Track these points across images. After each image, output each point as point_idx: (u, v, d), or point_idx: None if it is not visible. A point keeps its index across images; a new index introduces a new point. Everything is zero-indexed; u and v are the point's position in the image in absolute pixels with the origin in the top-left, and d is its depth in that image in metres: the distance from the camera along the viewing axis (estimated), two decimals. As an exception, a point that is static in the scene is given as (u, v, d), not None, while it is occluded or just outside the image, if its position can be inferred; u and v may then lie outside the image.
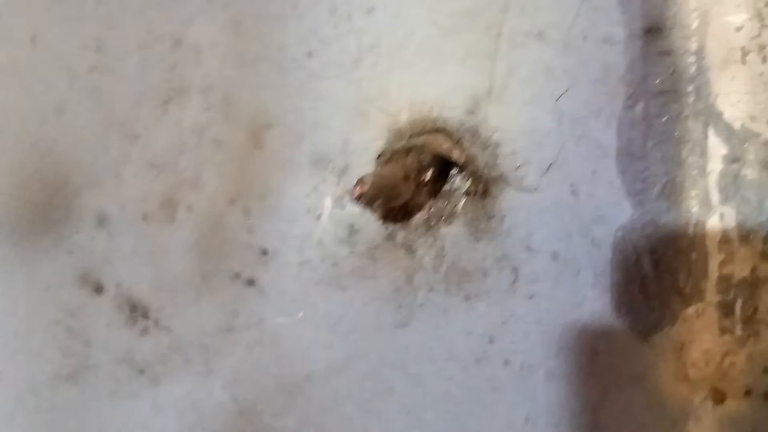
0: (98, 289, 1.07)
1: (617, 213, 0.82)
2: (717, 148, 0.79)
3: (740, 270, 0.79)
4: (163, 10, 1.00)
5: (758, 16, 0.77)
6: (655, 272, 0.82)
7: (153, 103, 1.02)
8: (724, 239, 0.79)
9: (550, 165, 0.84)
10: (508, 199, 0.87)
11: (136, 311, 1.06)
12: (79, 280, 1.08)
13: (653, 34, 0.80)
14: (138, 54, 1.01)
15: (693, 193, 0.80)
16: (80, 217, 1.07)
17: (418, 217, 0.93)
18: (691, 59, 0.79)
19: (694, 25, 0.78)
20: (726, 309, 0.80)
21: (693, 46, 0.78)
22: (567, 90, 0.83)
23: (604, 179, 0.82)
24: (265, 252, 0.99)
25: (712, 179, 0.79)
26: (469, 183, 0.90)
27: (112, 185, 1.04)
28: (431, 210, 0.92)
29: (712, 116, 0.79)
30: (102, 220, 1.06)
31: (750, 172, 0.78)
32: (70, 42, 1.04)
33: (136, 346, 1.07)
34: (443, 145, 0.89)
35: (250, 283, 1.00)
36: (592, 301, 0.84)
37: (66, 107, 1.05)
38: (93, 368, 1.09)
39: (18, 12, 1.07)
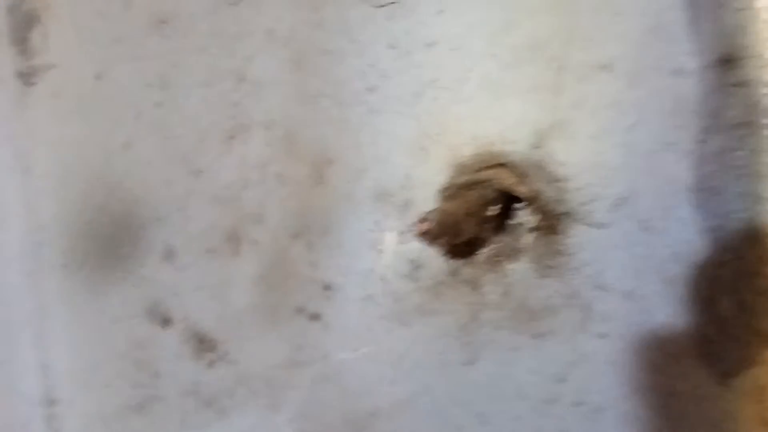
0: (166, 322, 1.08)
1: (692, 251, 0.78)
2: (800, 183, 0.74)
3: (826, 312, 0.75)
4: (226, 48, 1.00)
5: (841, 43, 0.72)
6: (734, 313, 0.77)
7: (217, 139, 1.02)
8: (809, 279, 0.74)
9: (620, 200, 0.81)
10: (576, 236, 0.84)
11: (202, 344, 1.07)
12: (147, 312, 1.09)
13: (727, 64, 0.75)
14: (201, 90, 1.02)
15: (774, 230, 0.75)
16: (147, 250, 1.08)
17: (483, 253, 0.90)
18: (769, 90, 0.74)
19: (772, 54, 0.74)
20: (811, 352, 0.75)
21: (771, 76, 0.74)
22: (636, 123, 0.80)
23: (677, 215, 0.78)
24: (328, 287, 0.99)
25: (795, 216, 0.74)
26: (535, 218, 0.87)
27: (178, 220, 1.06)
28: (496, 246, 0.90)
29: (793, 150, 0.74)
30: (168, 254, 1.07)
31: (837, 210, 0.74)
32: (135, 79, 1.06)
33: (203, 378, 1.07)
34: (508, 180, 0.86)
35: (314, 317, 1.00)
36: (668, 342, 0.80)
37: (132, 143, 1.07)
38: (161, 400, 1.10)
39: (83, 50, 1.09)
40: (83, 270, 1.13)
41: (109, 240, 1.10)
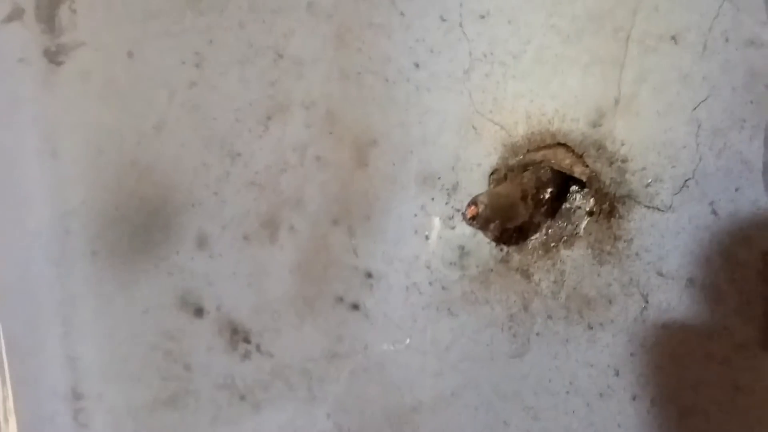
0: (198, 312, 1.06)
1: (765, 235, 0.74)
2: None
3: None
4: (264, 23, 0.97)
5: None
6: (808, 301, 0.73)
7: (254, 120, 0.99)
8: None
9: (686, 181, 0.77)
10: (636, 219, 0.80)
11: (237, 335, 1.04)
12: (179, 302, 1.06)
13: (808, 34, 0.71)
14: (238, 69, 0.99)
15: None
16: (180, 237, 1.05)
17: (535, 239, 0.87)
18: None
19: None
20: None
21: None
22: (706, 98, 0.76)
23: (748, 197, 0.75)
24: (369, 275, 0.96)
25: None
26: (592, 201, 0.83)
27: (213, 205, 1.03)
28: (549, 231, 0.86)
29: None
30: (202, 241, 1.04)
31: None
32: (168, 57, 1.02)
33: (237, 370, 1.05)
34: (564, 160, 0.82)
35: (355, 307, 0.97)
36: (735, 332, 0.76)
37: (165, 125, 1.04)
38: (193, 393, 1.08)
39: (114, 27, 1.05)
40: (113, 258, 1.10)
41: (140, 226, 1.07)
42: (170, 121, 1.03)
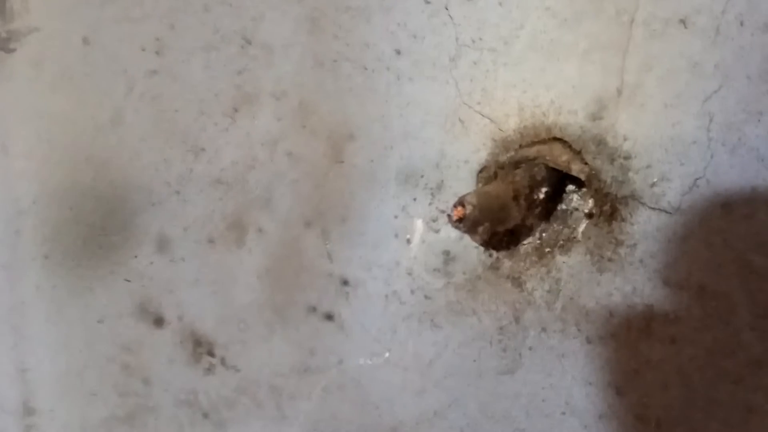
0: (158, 322, 1.01)
1: (782, 239, 0.70)
2: None
3: None
4: (231, 6, 0.93)
5: None
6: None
7: (219, 112, 0.95)
8: None
9: (696, 180, 0.73)
10: (641, 222, 0.76)
11: (200, 347, 1.00)
12: (138, 311, 1.02)
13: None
14: (203, 56, 0.94)
15: None
16: (139, 240, 1.01)
17: (528, 244, 0.83)
18: None
19: None
20: None
21: None
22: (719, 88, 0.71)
23: (765, 198, 0.70)
24: (345, 282, 0.91)
25: None
26: (591, 203, 0.79)
27: (174, 205, 0.98)
28: (544, 235, 0.82)
29: None
30: (163, 244, 1.00)
31: None
32: (127, 43, 0.98)
33: (200, 386, 1.01)
34: (561, 157, 0.78)
35: (329, 317, 0.93)
36: (750, 347, 0.72)
37: (123, 117, 0.99)
38: (152, 410, 1.03)
39: (69, 11, 1.01)
40: (66, 262, 1.05)
41: (96, 228, 1.02)
42: (128, 114, 0.99)
